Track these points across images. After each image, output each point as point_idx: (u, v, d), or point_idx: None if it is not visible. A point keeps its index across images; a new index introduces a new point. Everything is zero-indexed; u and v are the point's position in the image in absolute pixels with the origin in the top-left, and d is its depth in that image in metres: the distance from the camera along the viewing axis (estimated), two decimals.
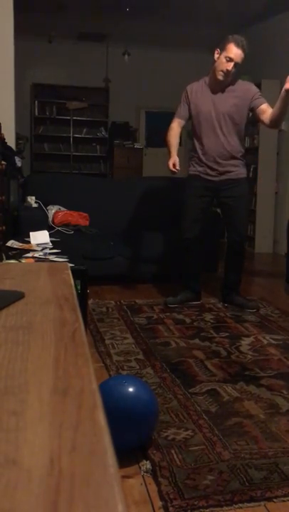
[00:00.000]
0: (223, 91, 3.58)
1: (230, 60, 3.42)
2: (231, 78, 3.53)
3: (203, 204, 3.75)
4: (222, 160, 3.62)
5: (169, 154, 3.69)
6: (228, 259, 3.91)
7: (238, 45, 3.42)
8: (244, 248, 3.91)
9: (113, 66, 8.04)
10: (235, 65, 3.44)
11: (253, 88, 3.63)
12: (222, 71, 3.45)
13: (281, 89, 3.30)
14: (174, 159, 3.63)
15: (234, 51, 3.42)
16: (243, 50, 3.43)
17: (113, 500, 0.37)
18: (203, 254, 3.96)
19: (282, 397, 2.37)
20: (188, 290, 3.92)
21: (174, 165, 3.62)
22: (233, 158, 3.64)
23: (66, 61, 8.10)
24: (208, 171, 3.66)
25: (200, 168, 3.68)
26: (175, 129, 3.74)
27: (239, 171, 3.69)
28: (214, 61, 3.52)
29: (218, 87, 3.57)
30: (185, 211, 3.77)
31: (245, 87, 3.62)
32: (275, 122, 3.51)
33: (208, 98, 3.59)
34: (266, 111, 3.53)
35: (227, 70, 3.44)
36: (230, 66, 3.42)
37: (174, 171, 3.64)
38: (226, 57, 3.43)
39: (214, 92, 3.59)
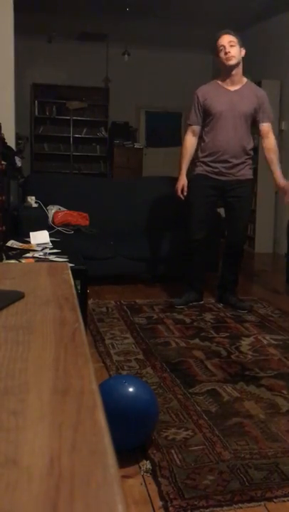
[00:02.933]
0: (239, 90, 3.59)
1: (222, 47, 3.50)
2: (239, 63, 3.55)
3: (210, 204, 3.73)
4: (234, 160, 3.59)
5: (179, 172, 3.71)
6: (227, 258, 3.90)
7: (220, 34, 3.53)
8: (243, 249, 3.91)
9: (113, 66, 8.04)
10: (231, 44, 3.48)
11: (264, 96, 3.67)
12: (225, 58, 3.50)
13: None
14: (183, 182, 3.67)
15: (221, 39, 3.51)
16: (228, 33, 3.52)
17: (113, 500, 0.37)
18: (205, 254, 3.96)
19: (282, 397, 2.37)
20: (192, 290, 3.91)
21: (182, 190, 3.65)
22: (244, 158, 3.63)
23: (66, 61, 8.10)
24: (218, 170, 3.61)
25: (208, 168, 3.63)
26: (191, 141, 3.70)
27: (247, 171, 3.68)
28: (219, 63, 3.59)
29: (232, 85, 3.59)
30: (192, 212, 3.71)
31: (256, 91, 3.66)
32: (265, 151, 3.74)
33: (224, 97, 3.57)
34: (266, 135, 3.70)
35: (226, 52, 3.49)
36: (226, 49, 3.49)
37: (181, 197, 3.66)
38: (218, 48, 3.52)
39: (230, 91, 3.59)
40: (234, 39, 3.50)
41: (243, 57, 3.57)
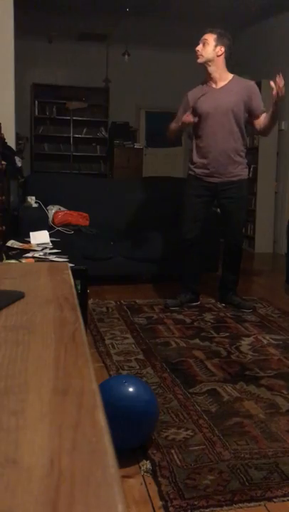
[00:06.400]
0: (224, 87, 3.58)
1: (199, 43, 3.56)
2: (215, 66, 3.56)
3: (203, 204, 3.72)
4: (224, 160, 3.58)
5: (175, 123, 3.73)
6: (226, 259, 3.90)
7: (204, 33, 3.59)
8: (241, 249, 3.90)
9: (113, 66, 8.04)
10: (203, 42, 3.53)
11: (252, 86, 3.60)
12: (196, 55, 3.56)
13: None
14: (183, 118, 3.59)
15: (202, 38, 3.57)
16: (209, 31, 3.55)
17: (113, 500, 0.37)
18: (202, 255, 3.96)
19: (282, 397, 2.37)
20: (188, 291, 3.91)
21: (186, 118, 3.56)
22: (235, 157, 3.60)
23: (66, 61, 8.10)
24: (209, 171, 3.61)
25: (200, 170, 3.64)
26: None
27: (240, 172, 3.65)
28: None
29: (216, 83, 3.59)
30: (185, 212, 3.74)
31: (243, 84, 3.61)
32: (264, 131, 3.64)
33: (209, 97, 3.57)
34: (261, 120, 3.63)
35: (196, 50, 3.55)
36: (197, 46, 3.54)
37: (190, 120, 3.55)
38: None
39: (216, 89, 3.58)
40: (210, 37, 3.52)
41: (226, 56, 3.54)
